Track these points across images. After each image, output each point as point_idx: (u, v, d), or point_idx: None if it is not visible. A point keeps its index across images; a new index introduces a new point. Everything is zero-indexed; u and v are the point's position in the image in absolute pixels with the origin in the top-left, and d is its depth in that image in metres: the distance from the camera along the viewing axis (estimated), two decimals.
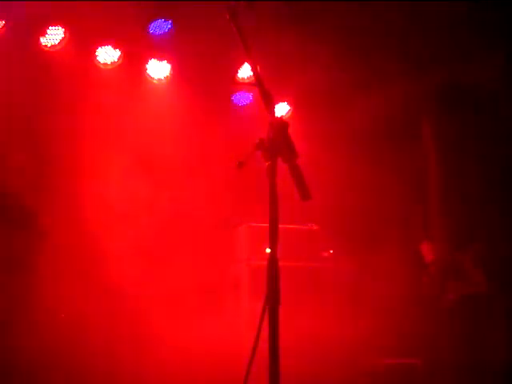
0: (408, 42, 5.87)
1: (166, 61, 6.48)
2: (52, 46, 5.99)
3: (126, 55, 6.27)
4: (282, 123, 2.52)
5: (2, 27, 5.69)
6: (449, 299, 4.89)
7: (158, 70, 6.48)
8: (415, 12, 5.56)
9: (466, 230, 4.69)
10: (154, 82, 6.50)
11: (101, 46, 6.19)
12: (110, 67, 6.25)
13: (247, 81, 6.66)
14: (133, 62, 6.37)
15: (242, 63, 6.47)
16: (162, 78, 6.50)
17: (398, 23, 5.77)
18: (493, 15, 5.15)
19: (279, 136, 2.50)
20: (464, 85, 4.88)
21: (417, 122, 5.53)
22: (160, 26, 6.25)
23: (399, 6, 5.52)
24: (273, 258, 2.44)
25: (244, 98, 6.93)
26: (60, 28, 5.97)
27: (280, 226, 2.45)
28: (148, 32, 6.26)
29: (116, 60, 6.24)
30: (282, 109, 6.84)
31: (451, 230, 4.78)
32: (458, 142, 4.80)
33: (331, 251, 6.05)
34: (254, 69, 2.65)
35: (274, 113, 2.57)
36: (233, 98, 6.92)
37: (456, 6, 5.28)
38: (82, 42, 6.07)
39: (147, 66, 6.45)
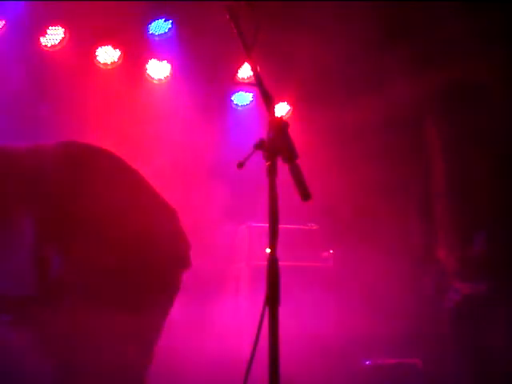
0: (410, 41, 5.87)
1: (166, 61, 6.48)
2: (52, 46, 5.99)
3: (126, 55, 6.27)
4: (281, 123, 2.52)
5: (2, 27, 5.70)
6: (450, 299, 4.89)
7: (158, 69, 6.48)
8: (416, 11, 5.56)
9: (469, 230, 4.69)
10: (154, 82, 6.50)
11: (101, 46, 6.19)
12: (110, 67, 6.25)
13: (247, 81, 6.65)
14: (133, 62, 6.36)
15: (242, 63, 6.46)
16: (162, 78, 6.50)
17: (398, 23, 5.77)
18: (493, 14, 5.16)
19: (279, 136, 2.50)
20: (467, 84, 4.88)
21: (420, 121, 5.53)
22: (160, 26, 6.25)
23: (400, 6, 5.53)
24: (273, 258, 2.44)
25: (244, 98, 6.93)
26: (60, 28, 5.97)
27: (280, 226, 2.45)
28: (148, 32, 6.26)
29: (116, 60, 6.24)
30: (281, 109, 6.84)
31: (454, 230, 4.78)
32: (461, 141, 4.80)
33: (331, 251, 6.05)
34: (253, 69, 2.65)
35: (273, 113, 2.57)
36: (233, 98, 6.92)
37: (457, 6, 5.28)
38: (82, 42, 6.07)
39: (147, 66, 6.46)
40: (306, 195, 2.47)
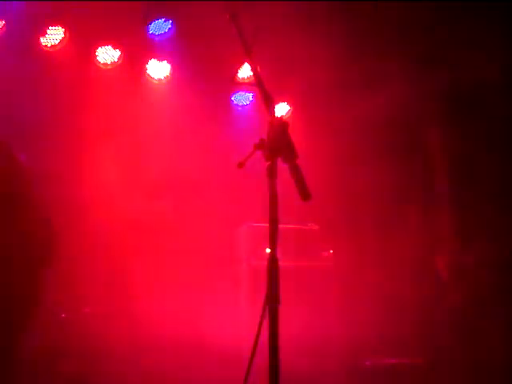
0: (410, 42, 5.87)
1: (165, 61, 6.48)
2: (52, 46, 5.99)
3: (126, 55, 6.27)
4: (282, 123, 2.52)
5: (2, 27, 5.70)
6: (451, 299, 4.90)
7: (158, 70, 6.48)
8: (417, 12, 5.56)
9: (470, 231, 4.70)
10: (154, 82, 6.50)
11: (101, 46, 6.19)
12: (110, 67, 6.25)
13: (247, 81, 6.66)
14: (133, 62, 6.37)
15: (242, 63, 6.46)
16: (162, 78, 6.51)
17: (399, 24, 5.77)
18: (494, 15, 5.16)
19: (279, 136, 2.50)
20: (468, 84, 4.89)
21: (420, 122, 5.53)
22: (160, 26, 6.25)
23: (400, 7, 5.52)
24: (273, 258, 2.45)
25: (244, 98, 6.93)
26: (60, 28, 5.97)
27: (280, 226, 2.45)
28: (148, 32, 6.26)
29: (116, 60, 6.24)
30: (281, 109, 6.84)
31: (456, 231, 4.79)
32: (463, 142, 4.81)
33: (331, 251, 6.05)
34: (253, 69, 2.65)
35: (273, 113, 2.57)
36: (233, 98, 6.92)
37: (456, 6, 5.29)
38: (82, 42, 6.07)
39: (147, 66, 6.46)
40: (306, 195, 2.48)
